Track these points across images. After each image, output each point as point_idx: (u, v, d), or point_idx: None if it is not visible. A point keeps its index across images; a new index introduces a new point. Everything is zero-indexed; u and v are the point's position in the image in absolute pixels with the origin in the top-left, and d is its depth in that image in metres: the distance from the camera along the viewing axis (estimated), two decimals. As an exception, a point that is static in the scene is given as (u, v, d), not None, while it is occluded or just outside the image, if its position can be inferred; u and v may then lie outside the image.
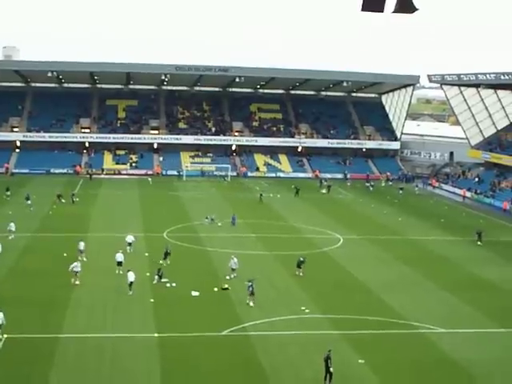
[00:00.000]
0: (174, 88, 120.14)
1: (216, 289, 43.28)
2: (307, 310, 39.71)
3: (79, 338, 34.10)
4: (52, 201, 74.45)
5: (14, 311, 36.14)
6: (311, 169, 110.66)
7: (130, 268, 42.87)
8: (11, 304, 37.47)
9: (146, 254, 51.81)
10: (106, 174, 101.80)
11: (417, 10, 16.20)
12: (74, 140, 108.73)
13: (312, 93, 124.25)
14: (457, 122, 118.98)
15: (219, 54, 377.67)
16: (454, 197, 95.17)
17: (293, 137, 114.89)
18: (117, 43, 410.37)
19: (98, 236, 57.53)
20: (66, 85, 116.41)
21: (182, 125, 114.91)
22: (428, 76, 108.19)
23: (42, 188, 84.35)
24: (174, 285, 43.81)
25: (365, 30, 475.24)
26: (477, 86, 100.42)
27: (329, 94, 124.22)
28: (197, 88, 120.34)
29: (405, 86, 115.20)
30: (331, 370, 29.84)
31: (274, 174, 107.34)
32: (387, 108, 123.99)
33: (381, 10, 16.16)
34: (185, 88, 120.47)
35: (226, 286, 43.73)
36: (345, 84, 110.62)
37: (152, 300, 40.61)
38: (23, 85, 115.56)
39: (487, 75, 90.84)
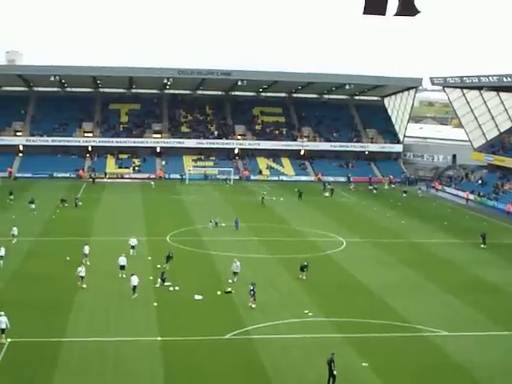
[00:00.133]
0: (177, 92, 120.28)
1: (219, 292, 43.26)
2: (310, 314, 39.67)
3: (82, 342, 34.11)
4: (55, 205, 74.54)
5: (18, 315, 36.16)
6: (314, 172, 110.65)
7: (134, 272, 42.88)
8: (15, 308, 37.49)
9: (149, 258, 51.81)
10: (109, 178, 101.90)
11: (419, 12, 16.18)
12: (77, 144, 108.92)
13: (314, 96, 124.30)
14: (459, 125, 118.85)
15: (221, 55, 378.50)
16: (457, 199, 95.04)
17: (295, 140, 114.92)
18: (117, 43, 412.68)
19: (101, 240, 57.55)
20: (68, 89, 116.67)
21: (184, 128, 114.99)
22: (430, 79, 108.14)
23: (45, 192, 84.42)
24: (177, 288, 43.81)
25: (367, 33, 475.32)
26: (479, 88, 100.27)
27: (331, 97, 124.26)
28: (199, 92, 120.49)
29: (407, 89, 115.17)
30: (335, 373, 29.79)
31: (276, 178, 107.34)
32: (390, 111, 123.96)
33: (383, 12, 16.14)
34: (187, 92, 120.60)
35: (229, 289, 43.71)
36: (347, 87, 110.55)
37: (155, 304, 40.60)
38: (26, 89, 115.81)
39: (490, 77, 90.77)
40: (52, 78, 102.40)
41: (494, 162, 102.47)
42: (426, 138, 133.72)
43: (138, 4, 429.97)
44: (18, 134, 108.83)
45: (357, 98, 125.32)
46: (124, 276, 45.16)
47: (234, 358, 32.89)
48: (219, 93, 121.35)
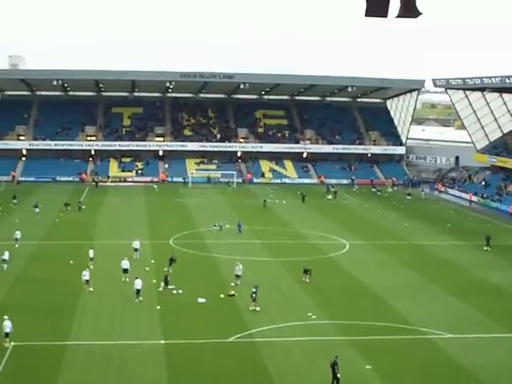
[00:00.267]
0: (179, 95, 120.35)
1: (222, 295, 43.26)
2: (314, 316, 39.65)
3: (86, 346, 34.12)
4: (58, 209, 74.63)
5: (22, 319, 36.25)
6: (316, 174, 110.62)
7: (138, 275, 42.89)
8: (18, 312, 37.59)
9: (153, 261, 51.81)
10: (112, 182, 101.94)
11: (420, 14, 16.17)
12: (80, 148, 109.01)
13: (317, 98, 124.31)
14: (462, 127, 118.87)
15: (223, 57, 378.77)
16: (461, 201, 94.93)
17: (298, 143, 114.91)
18: (119, 44, 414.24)
19: (104, 243, 57.57)
20: (71, 93, 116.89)
21: (187, 132, 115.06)
22: (433, 80, 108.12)
23: (48, 196, 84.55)
24: (180, 292, 43.82)
25: (369, 35, 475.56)
26: (482, 89, 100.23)
27: (334, 99, 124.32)
28: (202, 95, 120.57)
29: (410, 91, 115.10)
30: (338, 375, 29.78)
31: (279, 180, 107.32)
32: (392, 113, 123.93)
33: (385, 14, 16.14)
34: (190, 95, 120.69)
35: (233, 292, 43.70)
36: (350, 89, 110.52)
37: (159, 307, 40.61)
38: (29, 93, 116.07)
39: (492, 79, 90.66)
40: (55, 82, 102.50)
41: (497, 163, 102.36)
42: (428, 139, 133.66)
43: (139, 5, 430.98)
44: (21, 138, 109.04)
45: (359, 100, 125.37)
46: (127, 279, 45.20)
47: (238, 361, 32.88)
48: (221, 96, 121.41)
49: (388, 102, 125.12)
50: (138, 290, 41.45)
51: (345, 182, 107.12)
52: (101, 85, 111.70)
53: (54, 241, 59.37)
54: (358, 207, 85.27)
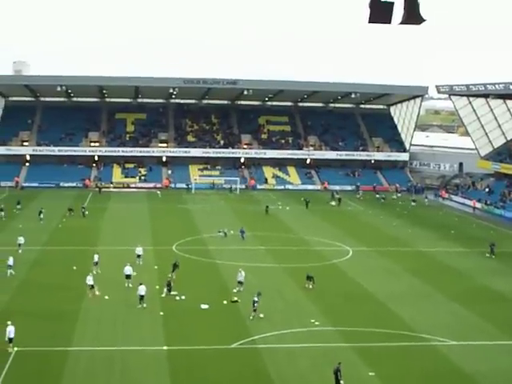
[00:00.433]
0: (183, 101, 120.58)
1: (225, 302, 43.21)
2: (317, 323, 39.57)
3: (89, 351, 34.09)
4: (62, 214, 74.68)
5: (24, 324, 36.28)
6: (320, 181, 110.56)
7: (142, 281, 42.87)
8: (21, 317, 37.64)
9: (156, 267, 51.82)
10: (115, 188, 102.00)
11: (424, 20, 16.18)
12: (83, 154, 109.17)
13: (320, 105, 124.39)
14: (466, 133, 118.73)
15: (226, 61, 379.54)
16: (464, 208, 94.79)
17: (301, 149, 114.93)
18: (121, 45, 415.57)
19: (107, 249, 57.49)
20: (74, 99, 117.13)
21: (190, 138, 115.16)
22: (436, 87, 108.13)
23: (51, 202, 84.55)
24: (183, 298, 43.78)
25: (372, 40, 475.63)
26: (486, 96, 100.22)
27: (337, 105, 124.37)
28: (205, 101, 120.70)
29: (413, 97, 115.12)
30: (341, 382, 29.71)
31: (282, 187, 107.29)
32: (396, 119, 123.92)
33: (388, 21, 16.16)
34: (193, 101, 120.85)
35: (236, 298, 43.65)
36: (353, 96, 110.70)
37: (161, 313, 40.59)
38: (33, 99, 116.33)
39: (496, 85, 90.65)
40: (58, 88, 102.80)
41: (501, 169, 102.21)
42: (432, 146, 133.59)
43: (139, 6, 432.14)
44: (25, 143, 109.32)
45: (362, 106, 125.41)
46: (130, 285, 45.21)
47: (241, 368, 32.82)
48: (225, 102, 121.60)
49: (391, 109, 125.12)
50: (142, 296, 41.43)
51: (348, 188, 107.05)
52: (104, 91, 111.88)
53: (57, 246, 59.40)
54: (361, 213, 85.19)
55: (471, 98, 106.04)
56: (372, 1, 16.24)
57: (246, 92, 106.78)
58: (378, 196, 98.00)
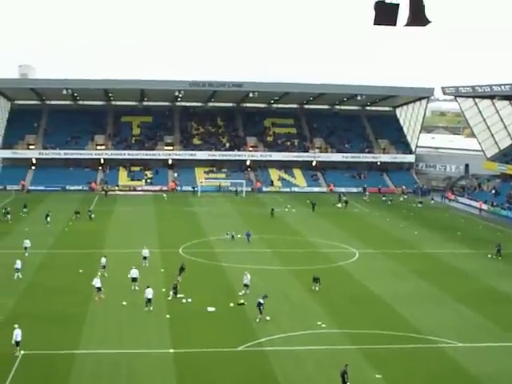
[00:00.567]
0: (188, 104, 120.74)
1: (232, 304, 43.20)
2: (323, 325, 39.53)
3: (95, 354, 34.11)
4: (68, 217, 74.82)
5: (31, 327, 36.35)
6: (326, 183, 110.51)
7: (149, 284, 42.88)
8: (28, 320, 37.72)
9: (162, 270, 51.86)
10: (121, 191, 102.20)
11: (430, 22, 16.18)
12: (89, 157, 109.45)
13: (326, 107, 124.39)
14: (472, 134, 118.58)
15: (231, 64, 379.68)
16: (470, 209, 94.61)
17: (307, 151, 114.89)
18: (124, 45, 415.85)
19: (114, 252, 57.58)
20: (80, 102, 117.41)
21: (196, 141, 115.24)
22: (442, 88, 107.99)
23: (57, 205, 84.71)
24: (189, 300, 43.78)
25: (377, 43, 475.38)
26: (492, 97, 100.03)
27: (343, 107, 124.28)
28: (211, 104, 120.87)
29: (419, 99, 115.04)
30: (348, 384, 29.68)
31: (288, 189, 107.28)
32: (401, 121, 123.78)
33: (393, 23, 16.17)
34: (199, 104, 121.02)
35: (242, 301, 43.63)
36: (359, 98, 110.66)
37: (168, 316, 40.59)
38: (39, 102, 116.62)
39: (502, 86, 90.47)
40: (64, 92, 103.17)
41: (507, 171, 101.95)
42: (438, 148, 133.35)
43: (146, 10, 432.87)
44: (31, 147, 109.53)
45: (368, 108, 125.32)
46: (137, 288, 45.25)
47: (247, 370, 32.79)
48: (230, 105, 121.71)
49: (397, 110, 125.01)
50: (150, 300, 41.45)
51: (354, 190, 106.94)
52: (110, 94, 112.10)
53: (63, 249, 59.51)
54: (367, 215, 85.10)
55: (477, 100, 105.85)
56: (377, 3, 16.26)
57: (251, 94, 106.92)
58: (384, 198, 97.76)
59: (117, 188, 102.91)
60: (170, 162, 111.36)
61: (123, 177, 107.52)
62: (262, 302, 39.93)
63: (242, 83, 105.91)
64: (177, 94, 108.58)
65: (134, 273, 46.39)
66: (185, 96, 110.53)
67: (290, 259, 57.46)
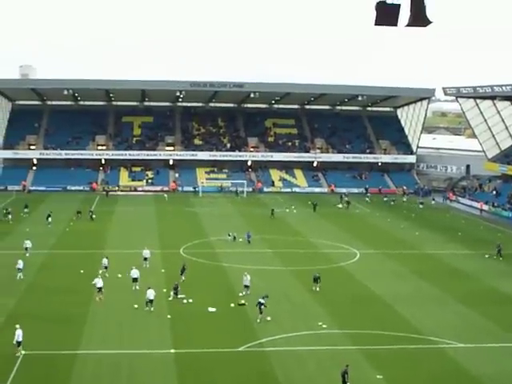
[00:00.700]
0: (189, 104, 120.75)
1: (233, 305, 43.19)
2: (324, 326, 39.53)
3: (96, 355, 34.11)
4: (69, 218, 74.85)
5: (32, 327, 36.33)
6: (327, 183, 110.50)
7: (149, 285, 42.88)
8: (29, 320, 37.70)
9: (163, 271, 51.86)
10: (122, 191, 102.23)
11: (431, 22, 16.19)
12: (90, 157, 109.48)
13: (327, 107, 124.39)
14: (473, 135, 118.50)
15: (232, 64, 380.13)
16: (471, 210, 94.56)
17: (308, 152, 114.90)
18: (126, 46, 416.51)
19: (115, 252, 57.59)
20: (81, 102, 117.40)
21: (197, 141, 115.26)
22: (443, 89, 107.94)
23: (58, 205, 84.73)
24: (190, 301, 43.78)
25: (378, 44, 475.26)
26: (493, 98, 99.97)
27: (344, 108, 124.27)
28: (212, 104, 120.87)
29: (420, 100, 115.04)
30: (349, 385, 29.68)
31: (289, 189, 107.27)
32: (403, 122, 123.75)
33: (394, 23, 16.18)
34: (200, 104, 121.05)
35: (243, 301, 43.63)
36: (360, 98, 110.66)
37: (169, 316, 40.59)
38: (40, 103, 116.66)
39: (503, 87, 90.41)
40: (65, 92, 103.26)
41: (508, 172, 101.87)
42: (439, 148, 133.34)
43: (146, 11, 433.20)
44: (32, 147, 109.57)
45: (369, 109, 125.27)
46: (138, 288, 45.25)
47: (248, 371, 32.79)
48: (231, 105, 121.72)
49: (398, 111, 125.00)
50: (151, 301, 41.43)
51: (355, 190, 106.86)
52: (111, 94, 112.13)
53: (64, 250, 59.53)
54: (368, 216, 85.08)
55: (478, 100, 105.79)
56: (378, 3, 16.27)
57: (252, 95, 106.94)
58: (386, 199, 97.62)
59: (118, 188, 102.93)
60: (171, 162, 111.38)
61: (124, 177, 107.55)
62: (262, 301, 39.94)
63: (243, 83, 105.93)
64: (178, 94, 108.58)
65: (135, 273, 46.41)
66: (186, 96, 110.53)
67: (291, 260, 57.46)
